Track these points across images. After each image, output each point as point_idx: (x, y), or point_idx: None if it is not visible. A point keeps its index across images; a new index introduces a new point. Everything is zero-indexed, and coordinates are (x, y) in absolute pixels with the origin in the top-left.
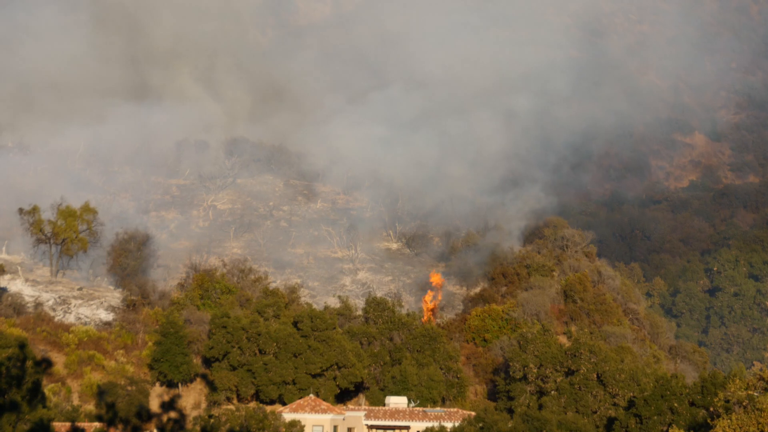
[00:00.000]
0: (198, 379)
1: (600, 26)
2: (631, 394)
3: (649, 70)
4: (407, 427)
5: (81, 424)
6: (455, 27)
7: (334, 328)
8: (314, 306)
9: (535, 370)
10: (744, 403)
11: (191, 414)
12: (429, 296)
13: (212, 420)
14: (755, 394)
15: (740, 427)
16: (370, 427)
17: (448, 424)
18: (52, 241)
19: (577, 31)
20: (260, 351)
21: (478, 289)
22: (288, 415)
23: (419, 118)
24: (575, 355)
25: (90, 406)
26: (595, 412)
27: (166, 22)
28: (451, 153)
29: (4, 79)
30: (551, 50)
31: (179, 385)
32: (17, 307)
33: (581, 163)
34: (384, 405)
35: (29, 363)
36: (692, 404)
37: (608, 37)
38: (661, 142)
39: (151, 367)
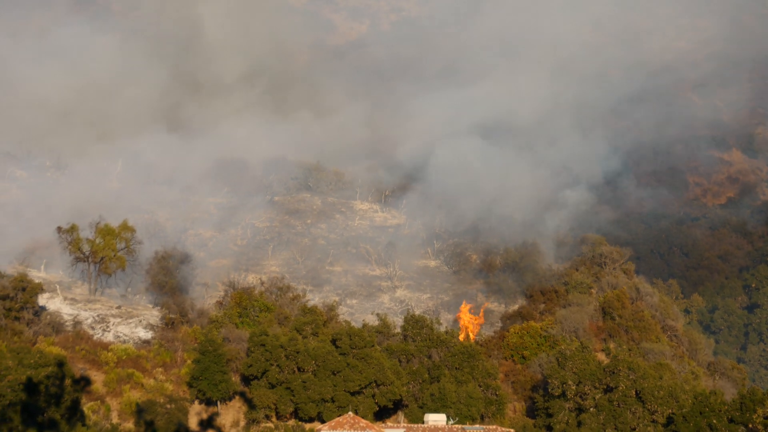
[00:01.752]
0: (237, 397)
1: (638, 44)
2: (670, 411)
3: (687, 87)
4: None
5: None
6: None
7: (373, 346)
8: (353, 324)
9: (573, 387)
10: None
11: None
12: (465, 308)
13: None
14: None
15: None
16: None
17: None
18: (90, 259)
19: (615, 49)
20: (299, 369)
21: (516, 307)
22: None
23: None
24: (614, 372)
25: (129, 425)
26: (634, 429)
27: (208, 40)
28: (489, 170)
29: (41, 98)
30: (587, 65)
31: (218, 403)
32: (56, 326)
33: (619, 180)
34: (423, 422)
35: (68, 381)
36: (731, 421)
37: (646, 53)
38: (699, 158)
39: (189, 385)
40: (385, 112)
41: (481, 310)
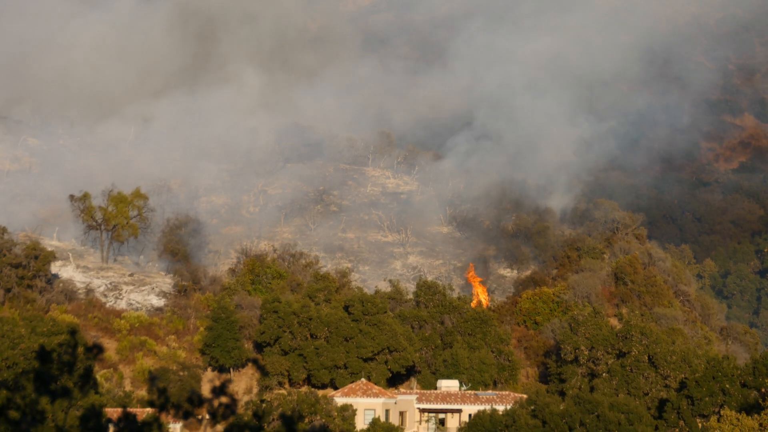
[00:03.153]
0: (249, 364)
1: (649, 9)
2: (683, 375)
3: (698, 52)
4: (459, 410)
5: (133, 410)
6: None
7: (385, 312)
8: (365, 290)
9: (586, 353)
10: None
11: (243, 399)
12: (483, 292)
13: (264, 405)
14: None
15: None
16: (422, 410)
17: (500, 407)
18: (102, 227)
19: (627, 14)
20: (311, 335)
21: (528, 272)
22: (340, 399)
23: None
24: (626, 337)
25: (142, 392)
26: (647, 394)
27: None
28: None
29: (54, 65)
30: (601, 36)
31: (231, 370)
32: (68, 294)
33: (631, 146)
34: (435, 388)
35: (81, 349)
36: (744, 385)
37: (657, 19)
38: (711, 123)
39: (202, 353)
40: (395, 77)
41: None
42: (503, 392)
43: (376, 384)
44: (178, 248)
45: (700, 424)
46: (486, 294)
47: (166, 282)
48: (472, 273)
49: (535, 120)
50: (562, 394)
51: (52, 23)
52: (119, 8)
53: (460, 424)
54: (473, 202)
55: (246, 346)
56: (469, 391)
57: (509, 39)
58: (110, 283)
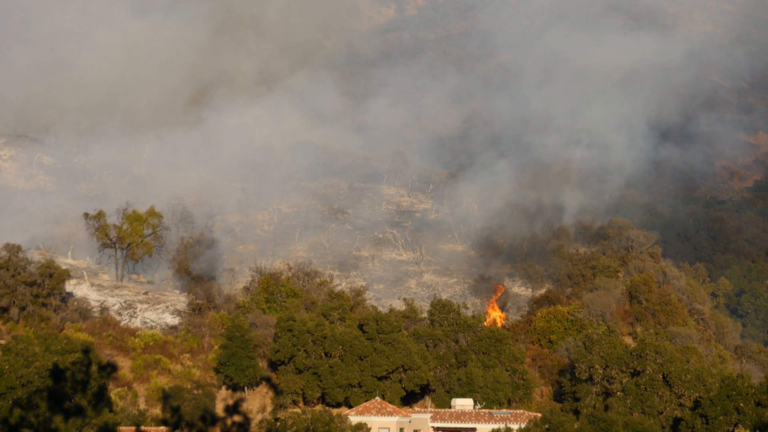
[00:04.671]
0: (263, 383)
1: (664, 28)
2: (697, 394)
3: (713, 71)
4: (473, 429)
5: (146, 428)
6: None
7: (400, 331)
8: (379, 309)
9: (600, 371)
10: None
11: (256, 417)
12: (498, 311)
13: (278, 423)
14: None
15: None
16: (437, 429)
17: (515, 426)
18: (117, 245)
19: (642, 33)
20: (326, 354)
21: (543, 291)
22: (354, 418)
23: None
24: (641, 356)
25: (156, 410)
26: (661, 413)
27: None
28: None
29: (68, 82)
30: (612, 52)
31: (245, 388)
32: (83, 312)
33: (645, 165)
34: (450, 407)
35: (95, 367)
36: (758, 404)
37: (671, 37)
38: (725, 142)
39: (216, 371)
40: (410, 95)
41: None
42: (518, 411)
43: (390, 403)
44: (193, 267)
45: None
46: (500, 312)
47: (181, 300)
48: (491, 307)
49: (550, 140)
50: (577, 412)
51: (67, 42)
52: (134, 28)
53: None
54: (488, 221)
55: (260, 364)
56: (484, 410)
57: (526, 55)
58: (125, 302)
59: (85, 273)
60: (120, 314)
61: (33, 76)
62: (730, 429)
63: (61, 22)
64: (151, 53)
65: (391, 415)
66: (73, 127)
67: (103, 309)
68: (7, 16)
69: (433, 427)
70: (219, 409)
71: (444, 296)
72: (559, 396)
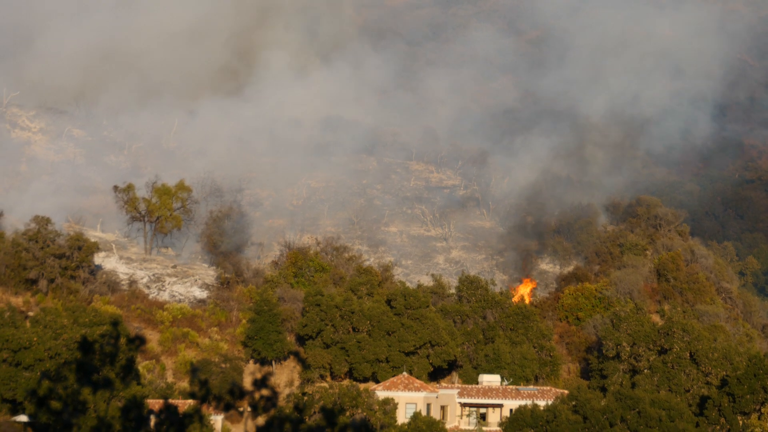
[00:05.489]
0: (291, 357)
1: (697, 11)
2: (724, 372)
3: (743, 50)
4: (500, 405)
5: (174, 401)
6: None
7: (428, 306)
8: (407, 284)
9: (628, 349)
10: None
11: (284, 391)
12: (526, 288)
13: (305, 397)
14: None
15: None
16: (464, 405)
17: (541, 402)
18: (146, 218)
19: (664, 25)
20: (354, 329)
21: (571, 268)
22: (381, 393)
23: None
24: (668, 334)
25: (184, 383)
26: (688, 391)
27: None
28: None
29: (97, 52)
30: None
31: (272, 362)
32: (112, 285)
33: (674, 143)
34: (477, 383)
35: (123, 340)
36: None
37: (704, 13)
38: (755, 121)
39: (244, 345)
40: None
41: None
42: (544, 388)
43: (417, 378)
44: (221, 240)
45: (741, 422)
46: (529, 288)
47: (209, 274)
48: (519, 284)
49: (578, 119)
50: (604, 390)
51: (101, 16)
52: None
53: (501, 419)
54: (516, 197)
55: (288, 338)
56: (511, 386)
57: (574, 30)
58: (153, 275)
59: (113, 246)
60: (148, 287)
61: (64, 48)
62: (757, 407)
63: None
64: (185, 27)
65: (419, 390)
66: (103, 100)
67: (132, 282)
68: None
69: (460, 402)
70: (246, 382)
71: (472, 272)
72: (586, 373)
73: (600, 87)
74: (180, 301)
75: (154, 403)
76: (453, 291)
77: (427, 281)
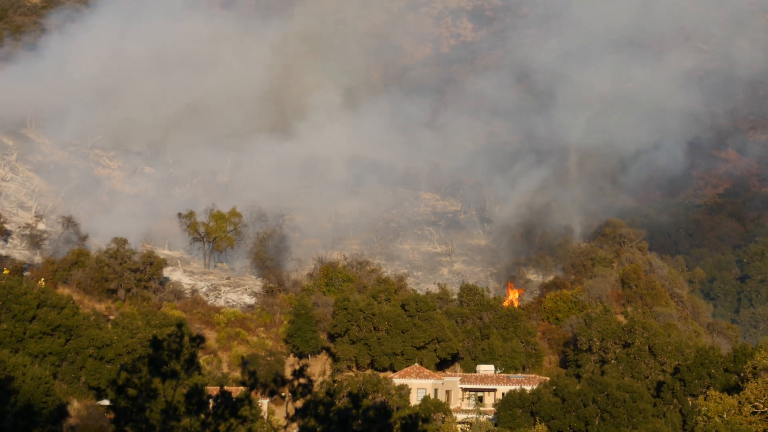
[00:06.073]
0: (324, 351)
1: (655, 55)
2: (677, 362)
3: (692, 99)
4: (494, 390)
5: (229, 388)
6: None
7: (435, 310)
8: (418, 291)
9: (598, 343)
10: None
11: (318, 380)
12: (514, 294)
13: (335, 384)
14: None
15: (765, 389)
16: (464, 389)
17: (528, 387)
18: (205, 239)
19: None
20: (375, 328)
21: (551, 278)
22: (397, 380)
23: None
24: (631, 331)
25: (236, 374)
26: (647, 377)
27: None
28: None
29: (166, 104)
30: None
31: (308, 356)
32: (177, 293)
33: (637, 176)
34: (475, 372)
35: (186, 339)
36: (726, 370)
37: (656, 73)
38: (702, 157)
39: (285, 342)
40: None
41: (518, 292)
42: (530, 375)
43: (427, 368)
44: (266, 257)
45: (690, 402)
46: (517, 295)
47: (257, 284)
48: (509, 290)
49: (561, 155)
50: (578, 377)
51: (171, 70)
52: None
53: (495, 401)
54: (507, 221)
55: (321, 336)
56: (503, 374)
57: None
58: (211, 285)
59: (179, 261)
60: (207, 295)
61: (142, 100)
62: (704, 390)
63: (163, 49)
64: (234, 75)
65: (428, 378)
66: (170, 142)
67: (194, 291)
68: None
69: (461, 387)
70: (287, 372)
71: (471, 282)
72: (564, 363)
73: (582, 128)
74: (233, 306)
75: (212, 390)
76: (455, 297)
77: (434, 289)
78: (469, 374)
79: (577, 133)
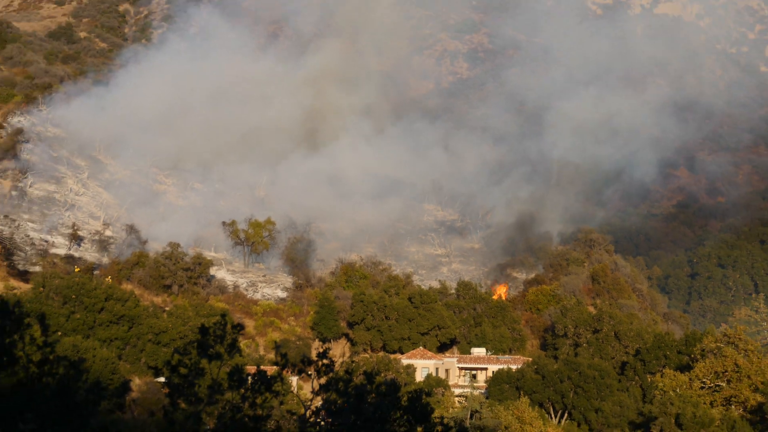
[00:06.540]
0: (343, 337)
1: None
2: (638, 345)
3: (651, 124)
4: (486, 368)
5: (264, 368)
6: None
7: (436, 302)
8: (422, 287)
9: (572, 330)
10: (714, 352)
11: (339, 361)
12: (502, 289)
13: (353, 364)
14: (721, 345)
15: (711, 368)
16: (461, 368)
17: (514, 367)
18: (244, 243)
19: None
20: (386, 317)
21: (533, 275)
22: (405, 361)
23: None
24: (599, 319)
25: (271, 355)
26: (613, 358)
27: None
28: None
29: (212, 129)
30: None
31: (331, 340)
32: (222, 288)
33: (606, 190)
34: (470, 353)
35: (229, 326)
36: (679, 352)
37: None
38: (660, 174)
39: (312, 329)
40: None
41: (506, 287)
42: (516, 356)
43: (429, 350)
44: (296, 258)
45: (649, 379)
46: (504, 290)
47: (288, 281)
48: (498, 286)
49: (545, 171)
50: (556, 358)
51: (220, 101)
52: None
53: (486, 378)
54: (496, 228)
55: (341, 324)
56: (493, 356)
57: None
58: (250, 282)
59: (223, 262)
60: (247, 290)
61: (192, 128)
62: (660, 369)
63: (213, 85)
64: (272, 107)
65: (430, 359)
66: (215, 162)
67: (235, 286)
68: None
69: (458, 367)
70: (313, 354)
71: (466, 279)
72: (544, 347)
73: (561, 150)
74: (268, 299)
75: (251, 369)
76: (453, 291)
77: (435, 285)
78: (465, 356)
79: (559, 152)
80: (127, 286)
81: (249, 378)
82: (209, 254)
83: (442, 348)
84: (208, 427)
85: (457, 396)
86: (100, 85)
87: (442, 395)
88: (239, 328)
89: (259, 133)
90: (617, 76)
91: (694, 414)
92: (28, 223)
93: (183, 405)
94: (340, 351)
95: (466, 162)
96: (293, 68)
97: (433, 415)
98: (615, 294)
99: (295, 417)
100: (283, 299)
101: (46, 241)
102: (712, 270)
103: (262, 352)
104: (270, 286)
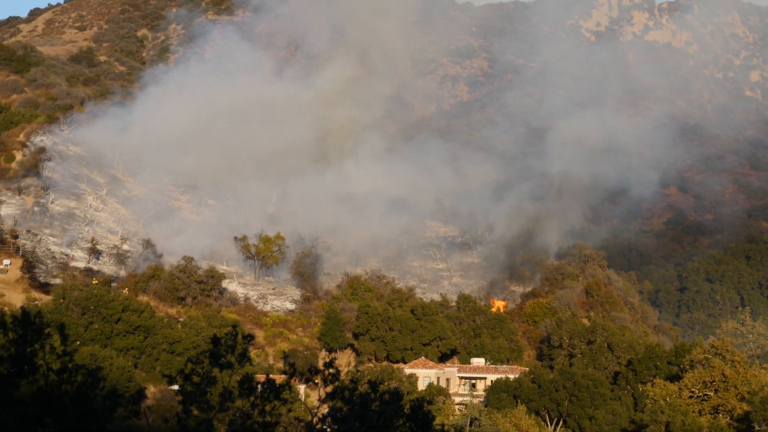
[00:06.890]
0: (349, 347)
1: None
2: (630, 356)
3: (642, 146)
4: (484, 378)
5: (274, 376)
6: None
7: (437, 314)
8: (424, 299)
9: (567, 341)
10: (702, 363)
11: (344, 370)
12: (501, 303)
13: (358, 373)
14: (709, 356)
15: (700, 378)
16: (461, 378)
17: (511, 376)
18: (255, 257)
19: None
20: (390, 328)
21: (530, 288)
22: (407, 370)
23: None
24: (593, 331)
25: (280, 365)
26: (606, 368)
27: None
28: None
29: (225, 148)
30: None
31: (337, 350)
32: (233, 300)
33: (602, 210)
34: (469, 363)
35: (240, 336)
36: (669, 363)
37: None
38: (650, 194)
39: (319, 339)
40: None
41: (503, 304)
42: (513, 366)
43: (431, 360)
44: (304, 271)
45: (640, 388)
46: (502, 303)
47: (296, 293)
48: (494, 301)
49: (542, 191)
50: (552, 368)
51: (235, 123)
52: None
53: (485, 387)
54: (496, 243)
55: (347, 335)
56: (491, 366)
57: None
58: (260, 294)
59: (234, 275)
60: (257, 302)
61: (206, 147)
62: (651, 379)
63: (227, 107)
64: (284, 129)
65: (432, 368)
66: (229, 179)
67: (246, 298)
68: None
69: (459, 376)
70: (320, 364)
71: (466, 292)
72: (540, 357)
73: (560, 168)
74: (277, 311)
75: (260, 377)
76: (454, 304)
77: (437, 297)
78: (465, 365)
79: (557, 169)
80: (143, 298)
81: (259, 386)
82: (222, 268)
83: (443, 358)
84: None
85: (457, 404)
86: (120, 106)
87: (443, 403)
88: (249, 338)
89: (272, 152)
90: (613, 99)
91: (683, 422)
92: (50, 237)
93: (195, 412)
94: (345, 361)
95: (469, 180)
96: (304, 88)
97: (434, 423)
98: (608, 307)
99: (302, 424)
100: (291, 311)
101: (66, 255)
102: (701, 284)
103: (271, 362)
104: (279, 298)
